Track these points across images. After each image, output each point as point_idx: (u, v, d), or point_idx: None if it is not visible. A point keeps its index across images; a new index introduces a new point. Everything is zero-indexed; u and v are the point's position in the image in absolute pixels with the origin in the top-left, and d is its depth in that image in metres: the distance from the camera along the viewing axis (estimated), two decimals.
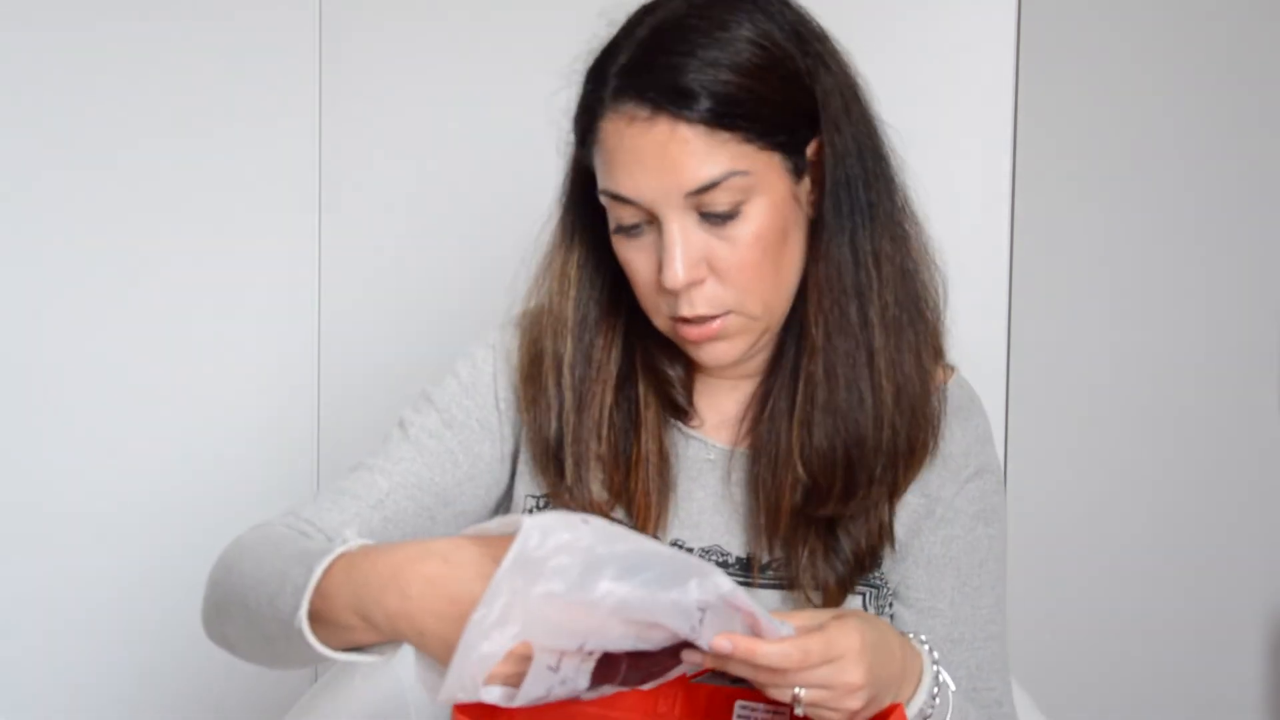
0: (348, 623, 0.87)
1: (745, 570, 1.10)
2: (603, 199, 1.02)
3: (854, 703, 0.88)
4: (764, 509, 1.08)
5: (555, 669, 0.80)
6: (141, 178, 1.91)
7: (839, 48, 1.06)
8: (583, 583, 0.77)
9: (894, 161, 1.08)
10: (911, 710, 0.95)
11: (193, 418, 1.97)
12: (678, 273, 0.99)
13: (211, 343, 1.99)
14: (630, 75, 0.98)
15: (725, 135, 0.97)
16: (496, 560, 0.78)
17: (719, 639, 0.83)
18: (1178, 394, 1.88)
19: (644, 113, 0.97)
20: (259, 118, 1.99)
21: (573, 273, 1.10)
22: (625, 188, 0.99)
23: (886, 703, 0.92)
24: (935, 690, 0.96)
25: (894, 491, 1.08)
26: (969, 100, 1.90)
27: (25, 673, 1.87)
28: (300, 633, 0.88)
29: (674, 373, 1.12)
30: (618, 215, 1.02)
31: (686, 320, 1.02)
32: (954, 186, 1.88)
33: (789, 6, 1.04)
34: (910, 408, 1.06)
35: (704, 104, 0.96)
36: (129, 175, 1.90)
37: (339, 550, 0.89)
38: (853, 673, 0.86)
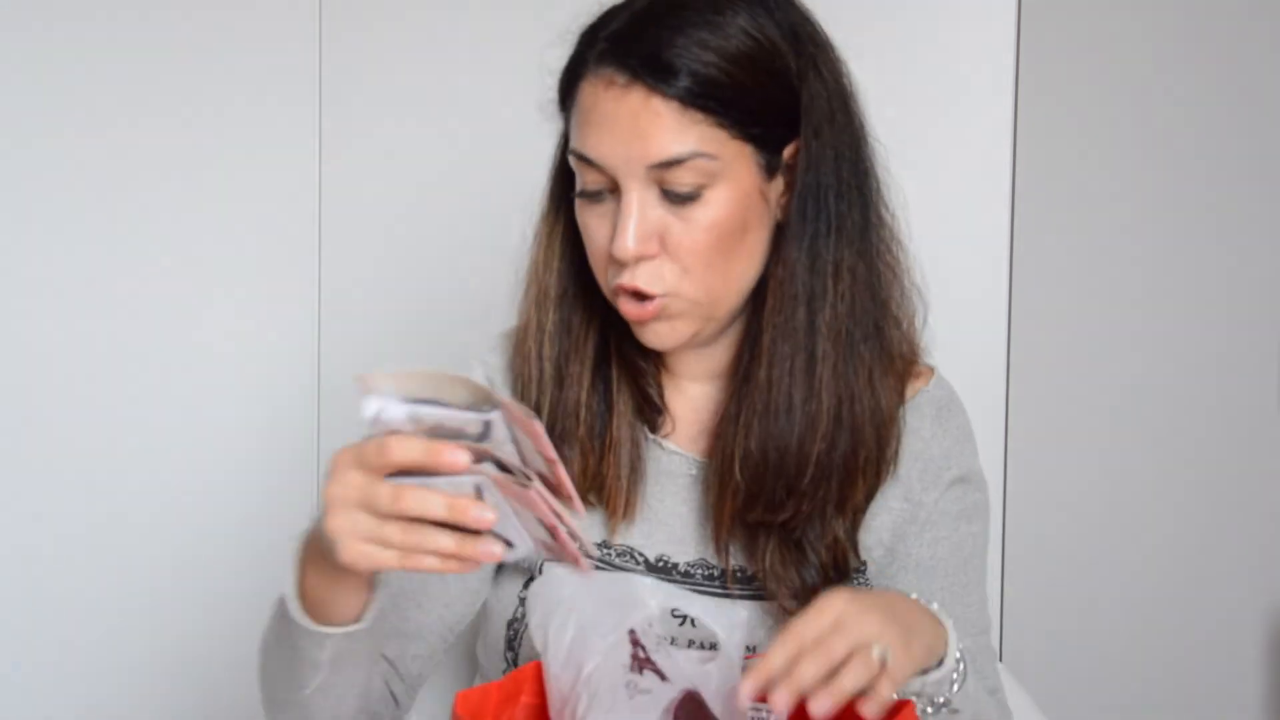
0: (328, 589, 0.91)
1: (716, 581, 1.10)
2: (571, 160, 1.03)
3: (870, 626, 0.84)
4: (714, 516, 1.09)
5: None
6: (140, 178, 1.91)
7: (840, 58, 1.06)
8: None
9: (876, 178, 1.07)
10: (942, 671, 0.92)
11: (192, 420, 1.97)
12: (628, 243, 0.99)
13: (211, 343, 1.98)
14: (617, 41, 1.00)
15: (698, 115, 0.98)
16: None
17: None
18: (1177, 394, 1.88)
19: (622, 79, 0.98)
20: (259, 118, 2.00)
21: (557, 245, 1.11)
22: (592, 150, 1.00)
23: (920, 637, 0.89)
24: (959, 656, 0.95)
25: (843, 506, 1.07)
26: (969, 100, 1.90)
27: (22, 680, 1.87)
28: (293, 619, 0.92)
29: (646, 365, 1.12)
30: (582, 178, 1.03)
31: (626, 292, 1.02)
32: (954, 187, 1.88)
33: (794, 8, 1.04)
34: (853, 425, 1.04)
35: (682, 81, 0.97)
36: (127, 175, 1.90)
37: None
38: (830, 610, 0.84)
